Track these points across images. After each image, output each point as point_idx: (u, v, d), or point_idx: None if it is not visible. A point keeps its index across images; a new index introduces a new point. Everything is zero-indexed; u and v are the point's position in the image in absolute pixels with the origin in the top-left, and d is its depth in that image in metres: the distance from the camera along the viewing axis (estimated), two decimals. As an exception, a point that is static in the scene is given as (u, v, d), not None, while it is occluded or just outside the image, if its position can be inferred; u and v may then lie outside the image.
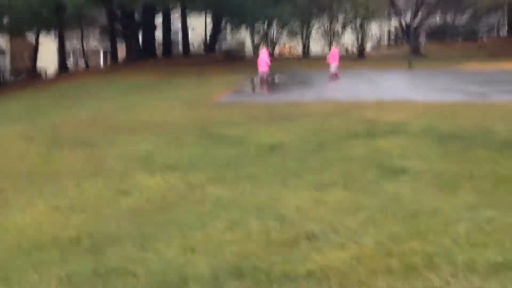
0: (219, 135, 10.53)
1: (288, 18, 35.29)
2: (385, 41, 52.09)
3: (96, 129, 12.07)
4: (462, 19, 50.51)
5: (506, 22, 47.19)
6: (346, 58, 38.68)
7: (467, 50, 43.31)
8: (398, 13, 42.68)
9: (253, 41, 41.92)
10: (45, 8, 23.03)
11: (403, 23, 45.43)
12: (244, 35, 43.13)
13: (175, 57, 38.53)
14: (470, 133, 9.88)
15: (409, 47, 35.55)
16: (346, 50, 44.28)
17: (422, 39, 54.14)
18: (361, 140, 9.63)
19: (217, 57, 38.26)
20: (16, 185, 8.12)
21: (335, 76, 23.46)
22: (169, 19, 38.51)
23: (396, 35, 52.38)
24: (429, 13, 49.49)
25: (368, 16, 42.00)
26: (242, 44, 40.77)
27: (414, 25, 48.61)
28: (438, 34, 53.92)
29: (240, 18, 32.20)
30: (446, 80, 22.09)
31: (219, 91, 18.52)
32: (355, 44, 43.74)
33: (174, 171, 8.19)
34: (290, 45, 46.64)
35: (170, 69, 28.02)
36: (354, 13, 41.81)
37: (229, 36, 44.04)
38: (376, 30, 45.89)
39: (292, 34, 44.67)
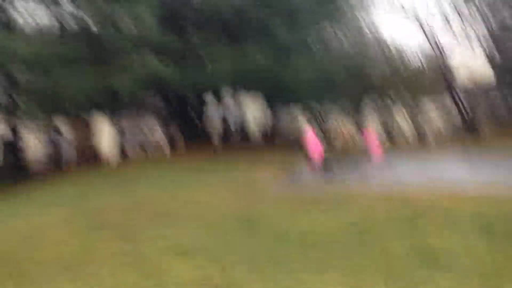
0: (260, 225, 10.29)
1: (340, 101, 35.53)
2: (447, 126, 51.41)
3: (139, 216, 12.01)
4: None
5: None
6: (403, 143, 38.31)
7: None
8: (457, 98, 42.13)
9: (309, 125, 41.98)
10: (98, 93, 23.56)
11: (464, 108, 44.86)
12: (302, 120, 43.42)
13: (232, 143, 38.92)
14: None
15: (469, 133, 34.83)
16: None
17: (486, 124, 53.30)
18: (404, 231, 9.24)
19: (276, 143, 38.40)
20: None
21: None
22: (225, 104, 39.23)
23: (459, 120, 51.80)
24: (493, 99, 48.86)
25: (421, 98, 41.82)
26: (301, 131, 40.97)
27: (476, 110, 48.05)
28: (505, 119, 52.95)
29: (290, 102, 32.45)
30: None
31: (270, 178, 18.35)
32: (413, 129, 43.34)
33: (212, 261, 7.99)
34: (346, 128, 46.54)
35: (227, 155, 28.25)
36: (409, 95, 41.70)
37: (287, 121, 44.33)
38: (437, 114, 45.40)
39: (348, 117, 44.70)
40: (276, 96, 32.06)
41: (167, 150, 33.39)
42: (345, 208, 11.49)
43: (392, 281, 6.96)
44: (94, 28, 25.40)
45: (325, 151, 22.50)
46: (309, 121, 43.34)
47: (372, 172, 19.86)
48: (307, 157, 22.08)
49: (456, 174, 18.01)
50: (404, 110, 43.54)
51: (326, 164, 22.04)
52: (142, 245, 9.29)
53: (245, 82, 27.63)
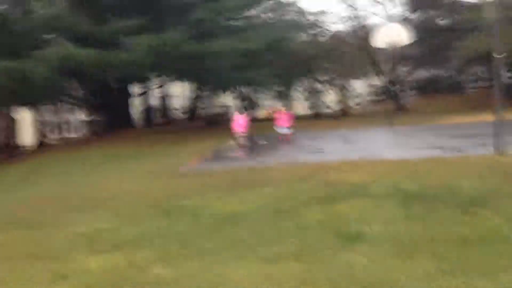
0: (176, 207, 10.05)
1: (267, 80, 35.12)
2: (370, 98, 52.10)
3: (52, 207, 11.55)
4: (448, 72, 50.61)
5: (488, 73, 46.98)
6: (329, 118, 38.69)
7: (452, 103, 43.30)
8: (380, 70, 42.69)
9: (236, 105, 41.84)
10: (12, 81, 22.59)
11: (386, 79, 45.44)
12: (227, 99, 43.18)
13: (155, 126, 38.37)
14: (436, 192, 9.45)
15: (393, 104, 35.43)
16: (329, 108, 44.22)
17: (407, 95, 54.40)
18: (322, 205, 9.20)
19: (199, 123, 38.10)
20: None
21: (287, 137, 22.91)
22: (148, 88, 38.59)
23: (382, 92, 52.45)
24: (413, 68, 49.75)
25: (348, 74, 42.16)
26: (225, 108, 40.73)
27: (397, 81, 48.87)
28: (425, 89, 54.10)
29: (217, 84, 32.00)
30: (425, 136, 21.81)
31: (191, 159, 18.12)
32: (338, 103, 43.77)
33: (120, 250, 7.71)
34: (276, 108, 46.53)
35: (148, 138, 27.75)
36: (334, 72, 41.91)
37: (210, 102, 43.86)
38: (360, 87, 45.90)
39: (275, 96, 44.68)
40: (202, 79, 31.64)
41: (90, 137, 32.68)
42: (262, 187, 11.35)
43: (305, 255, 6.81)
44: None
45: (250, 131, 22.58)
46: (236, 102, 43.30)
47: (288, 151, 19.94)
48: (233, 137, 22.08)
49: (376, 146, 18.31)
50: (331, 88, 43.91)
51: (251, 144, 22.11)
52: (50, 238, 8.90)
53: (168, 66, 27.08)
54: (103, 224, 9.37)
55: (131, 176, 15.14)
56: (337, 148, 19.11)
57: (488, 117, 27.19)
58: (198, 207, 9.85)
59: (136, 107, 39.35)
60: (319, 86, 43.72)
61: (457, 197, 9.03)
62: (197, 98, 42.99)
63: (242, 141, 22.01)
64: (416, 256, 6.41)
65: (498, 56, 13.68)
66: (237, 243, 7.56)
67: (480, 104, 37.39)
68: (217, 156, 19.65)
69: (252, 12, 33.99)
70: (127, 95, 35.54)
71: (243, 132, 22.05)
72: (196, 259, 7.02)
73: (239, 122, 21.87)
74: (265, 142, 22.95)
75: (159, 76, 34.64)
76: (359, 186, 10.37)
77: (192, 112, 43.48)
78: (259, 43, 27.44)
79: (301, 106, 45.08)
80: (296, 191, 10.44)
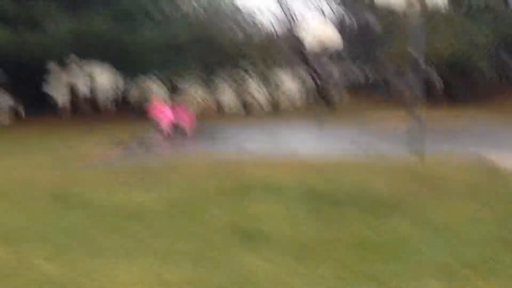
0: (76, 200, 9.49)
1: (193, 71, 34.65)
2: (301, 94, 52.22)
3: None
4: (380, 71, 51.22)
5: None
6: (257, 112, 38.51)
7: (383, 102, 43.84)
8: (311, 67, 42.76)
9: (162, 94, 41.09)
10: None
11: (316, 76, 45.61)
12: (160, 89, 42.41)
13: (80, 114, 37.23)
14: (349, 194, 9.27)
15: (323, 101, 35.51)
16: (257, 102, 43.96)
17: (338, 92, 54.80)
18: (231, 204, 8.87)
19: (126, 112, 37.18)
20: None
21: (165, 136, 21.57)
22: (74, 76, 37.31)
23: (312, 89, 52.63)
24: (344, 67, 50.16)
25: (280, 70, 42.03)
26: (155, 98, 39.84)
27: (328, 78, 49.16)
28: (356, 87, 54.68)
29: (144, 73, 31.24)
30: (350, 135, 21.85)
31: (104, 149, 17.44)
32: (268, 98, 43.57)
33: (6, 244, 7.11)
34: (202, 98, 45.89)
35: (67, 125, 26.88)
36: (264, 67, 41.66)
37: (140, 90, 42.89)
38: (291, 83, 45.79)
39: (200, 85, 44.18)
40: (125, 64, 30.75)
41: (9, 122, 31.36)
42: (171, 180, 10.97)
43: (203, 256, 6.44)
44: None
45: (177, 121, 22.12)
46: (159, 90, 42.48)
47: (208, 144, 19.60)
48: (155, 127, 21.54)
49: (298, 144, 18.12)
50: (257, 79, 43.60)
51: (174, 135, 21.67)
52: None
53: (88, 49, 26.11)
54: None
55: (34, 165, 14.29)
56: (259, 144, 18.85)
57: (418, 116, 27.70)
58: (100, 201, 9.33)
59: (60, 93, 38.06)
60: (249, 80, 43.39)
61: (369, 200, 8.86)
62: (125, 86, 41.89)
63: (164, 131, 21.51)
64: (316, 259, 6.19)
65: (415, 56, 13.66)
66: (135, 241, 7.14)
67: (410, 101, 37.99)
68: (134, 146, 19.03)
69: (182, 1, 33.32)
70: (44, 80, 34.25)
71: (167, 122, 21.55)
72: (88, 257, 6.56)
73: (164, 111, 21.27)
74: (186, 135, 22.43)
75: (83, 62, 33.57)
76: (273, 185, 10.06)
77: (119, 101, 42.40)
78: (187, 33, 26.89)
79: (229, 99, 44.74)
80: (206, 188, 10.05)
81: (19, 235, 7.53)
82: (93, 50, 25.71)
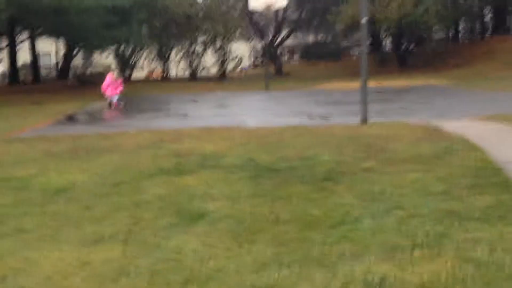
0: (3, 177, 8.85)
1: (140, 40, 33.65)
2: (249, 61, 51.68)
3: None
4: (330, 37, 50.89)
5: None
6: (206, 80, 37.90)
7: (332, 69, 43.67)
8: (260, 33, 42.13)
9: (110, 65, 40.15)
10: None
11: (265, 43, 45.06)
12: (103, 59, 41.34)
13: (22, 85, 36.06)
14: (291, 165, 8.83)
15: (268, 68, 35.10)
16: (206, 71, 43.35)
17: (287, 59, 54.40)
18: (166, 177, 8.34)
19: (71, 83, 36.13)
20: None
21: (115, 107, 21.56)
22: (15, 44, 36.01)
23: (262, 55, 52.00)
24: (290, 32, 49.70)
25: (227, 36, 41.33)
26: (101, 68, 38.79)
27: (277, 44, 48.69)
28: (307, 54, 54.42)
29: (86, 41, 30.12)
30: (298, 102, 21.60)
31: (39, 121, 16.76)
32: (217, 66, 43.00)
33: None
34: (154, 69, 45.01)
35: (6, 97, 25.84)
36: (213, 34, 40.91)
37: (86, 61, 41.73)
38: (240, 50, 45.20)
39: (151, 57, 43.32)
40: (70, 35, 29.69)
41: None
42: (107, 155, 10.37)
43: (134, 237, 5.96)
44: None
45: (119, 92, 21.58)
46: (111, 61, 41.46)
47: (150, 114, 19.11)
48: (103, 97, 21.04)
49: (246, 115, 17.71)
50: (210, 50, 42.89)
51: (112, 106, 21.18)
52: None
53: (30, 20, 25.05)
54: None
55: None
56: (202, 113, 18.45)
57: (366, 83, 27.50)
58: (27, 177, 8.72)
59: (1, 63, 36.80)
60: (197, 47, 42.63)
61: (312, 171, 8.46)
62: (69, 56, 40.62)
63: (109, 102, 21.05)
64: (255, 240, 5.72)
65: (363, 22, 13.31)
66: (61, 221, 6.61)
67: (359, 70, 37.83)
68: (74, 119, 18.35)
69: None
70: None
71: (110, 93, 21.06)
72: (7, 239, 6.02)
73: (108, 82, 20.59)
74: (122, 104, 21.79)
75: (21, 31, 32.33)
76: (212, 156, 9.60)
77: (64, 71, 41.16)
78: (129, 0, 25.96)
79: (178, 68, 44.03)
80: (142, 161, 9.53)
81: None
82: (32, 19, 24.59)
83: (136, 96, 25.47)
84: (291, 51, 58.00)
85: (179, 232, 6.06)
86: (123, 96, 21.75)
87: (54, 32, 30.01)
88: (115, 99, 21.48)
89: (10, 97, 25.89)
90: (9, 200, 7.59)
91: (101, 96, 21.66)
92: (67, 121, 17.64)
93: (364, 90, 13.31)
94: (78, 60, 40.77)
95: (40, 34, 33.78)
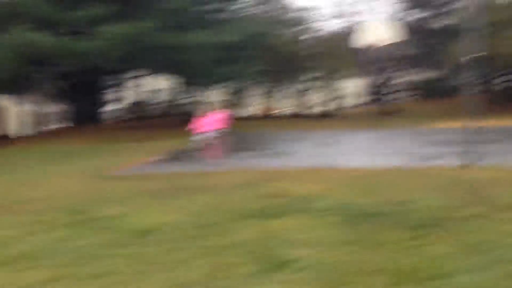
0: (88, 216, 8.88)
1: (249, 77, 33.91)
2: (357, 100, 50.97)
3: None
4: (441, 75, 49.44)
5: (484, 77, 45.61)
6: (312, 118, 37.60)
7: (444, 107, 42.20)
8: (367, 71, 41.47)
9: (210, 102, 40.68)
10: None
11: (373, 81, 44.33)
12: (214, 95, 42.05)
13: (127, 121, 37.12)
14: (388, 210, 8.31)
15: (380, 106, 34.42)
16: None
17: (397, 97, 53.28)
18: (255, 221, 8.05)
19: (175, 120, 36.85)
20: None
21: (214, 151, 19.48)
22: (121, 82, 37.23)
23: (369, 94, 51.24)
24: (404, 70, 48.64)
25: (335, 73, 40.96)
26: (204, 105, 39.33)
27: (385, 83, 47.78)
28: (417, 92, 53.05)
29: (196, 78, 30.59)
30: (403, 142, 20.89)
31: (139, 159, 16.97)
32: (323, 104, 42.63)
33: (11, 265, 6.56)
34: (267, 105, 45.14)
35: (110, 134, 26.64)
36: (321, 71, 40.66)
37: (194, 97, 42.46)
38: (347, 88, 44.64)
39: (261, 93, 43.58)
40: (180, 72, 30.30)
41: (59, 130, 31.46)
42: (197, 195, 10.20)
43: (212, 283, 5.69)
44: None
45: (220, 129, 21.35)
46: (214, 99, 42.00)
47: (249, 153, 18.89)
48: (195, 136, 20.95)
49: (347, 154, 17.24)
50: (317, 88, 42.62)
51: (217, 144, 20.96)
52: None
53: (141, 58, 25.76)
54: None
55: (62, 176, 13.88)
56: (302, 152, 18.12)
57: (476, 123, 26.29)
58: (118, 216, 8.70)
59: (109, 101, 38.15)
60: (304, 85, 42.50)
61: (409, 217, 7.90)
62: (178, 93, 41.51)
63: (205, 141, 20.89)
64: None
65: (463, 59, 12.54)
66: (141, 265, 6.43)
67: (476, 109, 36.28)
68: (173, 157, 18.41)
69: (233, 5, 32.60)
70: (97, 88, 34.19)
71: (207, 131, 20.80)
72: (86, 281, 5.91)
73: (208, 119, 20.44)
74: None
75: (132, 69, 33.33)
76: (305, 199, 9.22)
77: (170, 108, 42.09)
78: (238, 37, 26.19)
79: (286, 105, 44.03)
80: (232, 202, 9.29)
81: (24, 258, 6.95)
82: (144, 57, 25.29)
83: (242, 133, 25.49)
84: (399, 88, 56.86)
85: (261, 280, 5.73)
86: (225, 132, 21.61)
87: (163, 69, 30.74)
88: (213, 135, 20.98)
89: (110, 135, 26.60)
90: (90, 240, 7.54)
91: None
92: (165, 159, 17.70)
93: (469, 129, 12.49)
94: (185, 97, 41.49)
95: (149, 72, 34.73)
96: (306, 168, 13.07)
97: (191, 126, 20.34)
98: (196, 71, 27.04)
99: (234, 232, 7.53)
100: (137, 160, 16.74)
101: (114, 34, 22.42)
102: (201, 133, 19.02)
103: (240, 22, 29.40)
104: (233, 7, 32.19)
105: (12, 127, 38.28)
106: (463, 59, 33.94)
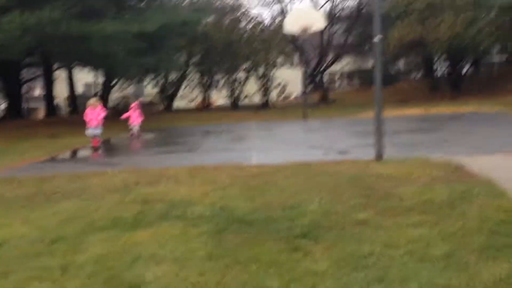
0: None
1: (172, 67, 32.65)
2: (294, 89, 50.18)
3: None
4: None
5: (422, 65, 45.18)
6: (249, 110, 36.64)
7: (382, 95, 41.66)
8: (304, 59, 40.63)
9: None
10: None
11: (309, 69, 43.61)
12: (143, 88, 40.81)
13: (55, 116, 35.56)
14: (272, 216, 7.32)
15: (310, 95, 33.72)
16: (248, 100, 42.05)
17: (333, 85, 52.84)
18: (117, 232, 6.97)
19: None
20: None
21: (135, 136, 21.33)
22: (50, 75, 35.55)
23: (306, 82, 50.59)
24: (336, 58, 48.22)
25: (270, 62, 40.02)
26: (130, 98, 37.92)
27: (321, 70, 47.28)
28: (354, 79, 52.86)
29: (113, 70, 29.15)
30: (328, 132, 20.15)
31: (31, 158, 15.70)
32: (259, 93, 41.68)
33: None
34: (204, 97, 43.88)
35: (16, 131, 25.24)
36: (255, 60, 39.61)
37: (120, 91, 40.94)
38: (287, 77, 43.69)
39: (196, 84, 42.38)
40: (95, 64, 28.83)
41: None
42: (65, 201, 9.02)
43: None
44: None
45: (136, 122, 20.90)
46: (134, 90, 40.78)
47: (153, 149, 18.70)
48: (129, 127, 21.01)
49: (260, 148, 16.37)
50: (252, 77, 41.61)
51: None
52: None
53: (50, 49, 24.17)
54: None
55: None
56: (215, 147, 17.20)
57: (411, 110, 25.86)
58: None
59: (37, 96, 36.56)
60: (239, 74, 41.43)
61: (293, 224, 6.95)
62: (107, 87, 39.77)
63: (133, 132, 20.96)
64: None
65: (375, 41, 11.65)
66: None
67: (410, 97, 35.95)
68: (70, 156, 17.27)
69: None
70: (17, 81, 32.42)
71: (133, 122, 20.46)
72: None
73: (95, 114, 19.08)
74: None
75: (50, 62, 31.69)
76: (181, 204, 8.08)
77: (103, 102, 40.58)
78: (160, 25, 24.84)
79: (222, 96, 42.98)
80: (98, 210, 8.13)
81: None
82: (53, 48, 23.73)
83: (165, 128, 24.49)
84: (335, 76, 56.53)
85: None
86: (135, 127, 21.06)
87: (78, 62, 29.23)
88: (135, 128, 20.95)
89: (28, 131, 25.17)
90: None
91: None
92: (59, 158, 16.45)
93: (378, 121, 11.63)
94: (110, 91, 39.92)
95: (77, 65, 33.15)
96: (203, 166, 11.95)
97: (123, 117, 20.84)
98: (114, 63, 25.47)
99: (84, 248, 6.45)
100: (27, 160, 15.40)
101: (17, 23, 20.66)
102: (91, 127, 18.01)
103: (161, 9, 27.84)
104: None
105: None
106: (395, 45, 33.46)
